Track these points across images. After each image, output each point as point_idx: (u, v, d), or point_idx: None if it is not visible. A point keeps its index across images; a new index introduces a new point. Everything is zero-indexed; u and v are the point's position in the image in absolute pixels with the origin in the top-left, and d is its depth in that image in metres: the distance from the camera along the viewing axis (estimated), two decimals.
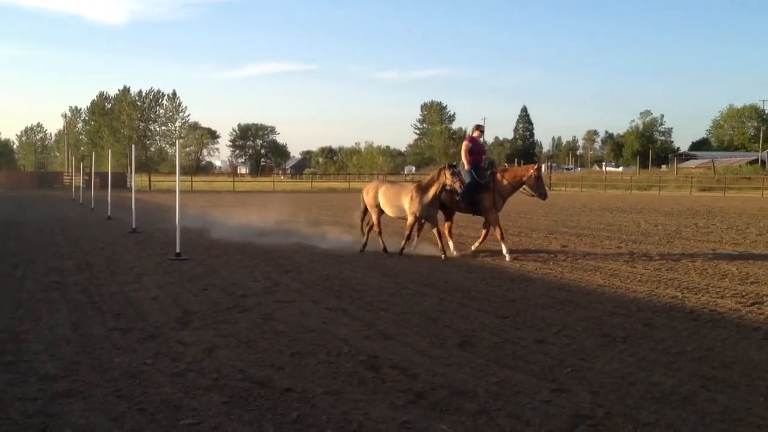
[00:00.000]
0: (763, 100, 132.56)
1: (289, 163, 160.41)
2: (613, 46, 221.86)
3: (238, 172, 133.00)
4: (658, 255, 13.87)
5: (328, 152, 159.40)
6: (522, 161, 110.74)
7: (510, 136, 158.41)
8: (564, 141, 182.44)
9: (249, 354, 6.56)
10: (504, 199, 14.11)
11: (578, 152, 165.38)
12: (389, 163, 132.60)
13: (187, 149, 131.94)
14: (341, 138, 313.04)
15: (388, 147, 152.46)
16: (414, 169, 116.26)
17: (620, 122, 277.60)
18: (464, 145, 14.42)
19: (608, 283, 10.58)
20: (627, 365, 6.22)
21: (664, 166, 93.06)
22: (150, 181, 65.51)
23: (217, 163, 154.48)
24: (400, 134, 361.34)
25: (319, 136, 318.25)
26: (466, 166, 14.08)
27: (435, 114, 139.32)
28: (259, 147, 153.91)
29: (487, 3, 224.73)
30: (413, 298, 9.41)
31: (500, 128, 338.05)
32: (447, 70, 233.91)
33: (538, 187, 13.92)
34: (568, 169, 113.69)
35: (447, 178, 13.16)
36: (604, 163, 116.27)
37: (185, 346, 6.85)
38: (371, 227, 14.60)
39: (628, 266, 12.34)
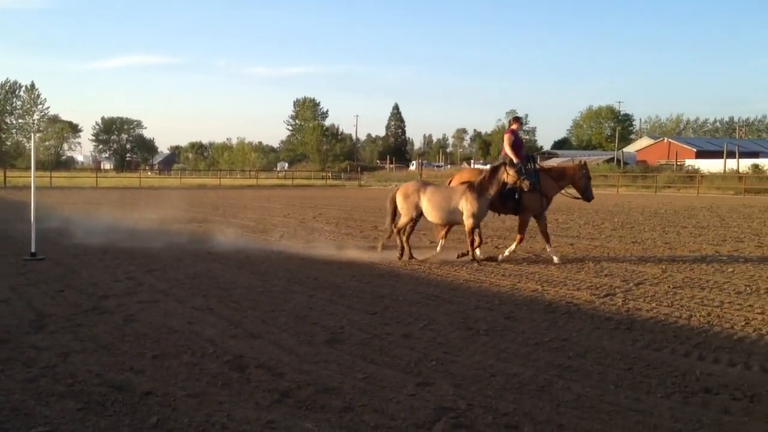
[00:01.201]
0: (620, 102, 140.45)
1: (157, 159, 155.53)
2: (482, 46, 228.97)
3: (102, 167, 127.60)
4: (521, 251, 14.38)
5: (199, 148, 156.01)
6: (394, 158, 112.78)
7: (382, 133, 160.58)
8: (435, 139, 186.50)
9: (107, 358, 6.30)
10: (550, 200, 13.25)
11: (448, 150, 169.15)
12: (262, 160, 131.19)
13: (46, 143, 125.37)
14: (212, 133, 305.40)
15: (260, 143, 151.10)
16: (287, 165, 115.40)
17: (488, 121, 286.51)
18: (507, 138, 13.22)
19: (474, 278, 10.88)
20: (489, 357, 6.42)
21: None
22: (5, 176, 61.76)
23: (79, 158, 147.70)
24: (273, 130, 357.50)
25: (189, 131, 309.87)
26: (516, 160, 12.75)
27: (308, 110, 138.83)
28: (124, 141, 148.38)
29: (358, 0, 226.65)
30: (282, 296, 9.34)
31: (373, 125, 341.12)
32: (319, 66, 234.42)
33: (587, 189, 13.25)
34: (438, 166, 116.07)
35: (510, 176, 12.27)
36: (472, 161, 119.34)
37: (39, 350, 6.51)
38: (400, 231, 12.95)
39: (494, 261, 12.72)
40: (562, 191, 13.40)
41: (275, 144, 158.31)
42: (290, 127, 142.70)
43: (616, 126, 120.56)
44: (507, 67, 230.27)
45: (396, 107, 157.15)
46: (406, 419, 4.83)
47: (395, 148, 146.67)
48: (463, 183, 12.84)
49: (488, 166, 13.83)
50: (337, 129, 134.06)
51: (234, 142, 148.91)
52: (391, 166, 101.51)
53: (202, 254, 13.50)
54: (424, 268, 11.83)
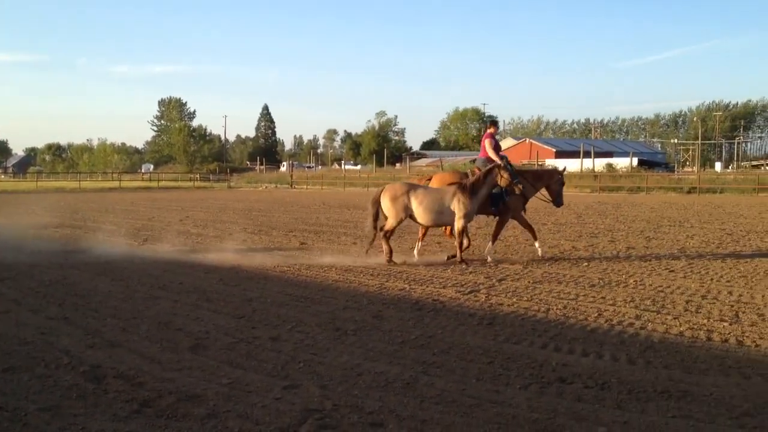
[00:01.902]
0: (484, 104, 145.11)
1: (11, 161, 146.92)
2: (351, 46, 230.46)
3: None
4: (396, 250, 14.56)
5: (56, 149, 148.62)
6: (264, 159, 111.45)
7: (252, 134, 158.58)
8: (305, 140, 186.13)
9: None
10: (526, 202, 13.32)
11: (319, 151, 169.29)
12: (125, 161, 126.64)
13: None
14: (71, 134, 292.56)
15: (123, 144, 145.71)
16: (152, 167, 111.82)
17: (358, 122, 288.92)
18: (488, 142, 13.41)
19: (342, 278, 10.92)
20: (356, 357, 6.46)
21: (398, 165, 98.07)
22: None
23: None
24: (137, 131, 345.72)
25: (46, 132, 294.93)
26: (499, 162, 12.85)
27: (174, 110, 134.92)
28: None
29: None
30: (145, 303, 9.03)
31: (242, 126, 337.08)
32: (186, 65, 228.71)
33: (559, 194, 13.51)
34: (309, 167, 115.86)
35: (504, 179, 12.37)
36: (343, 162, 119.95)
37: None
38: (387, 234, 12.51)
39: (362, 261, 12.81)
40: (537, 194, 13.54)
41: (140, 145, 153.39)
42: (155, 128, 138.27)
43: (482, 127, 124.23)
44: (377, 68, 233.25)
45: (265, 108, 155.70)
46: (272, 423, 4.79)
47: (265, 149, 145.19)
48: (452, 184, 12.68)
49: (470, 169, 13.65)
50: (205, 130, 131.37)
51: (95, 143, 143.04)
52: (262, 167, 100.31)
53: (58, 261, 12.85)
54: (293, 270, 11.77)
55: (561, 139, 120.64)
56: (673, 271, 11.35)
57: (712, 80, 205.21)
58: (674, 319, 7.88)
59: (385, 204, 12.51)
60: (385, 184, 13.30)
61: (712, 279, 10.49)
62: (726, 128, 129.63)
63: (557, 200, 13.63)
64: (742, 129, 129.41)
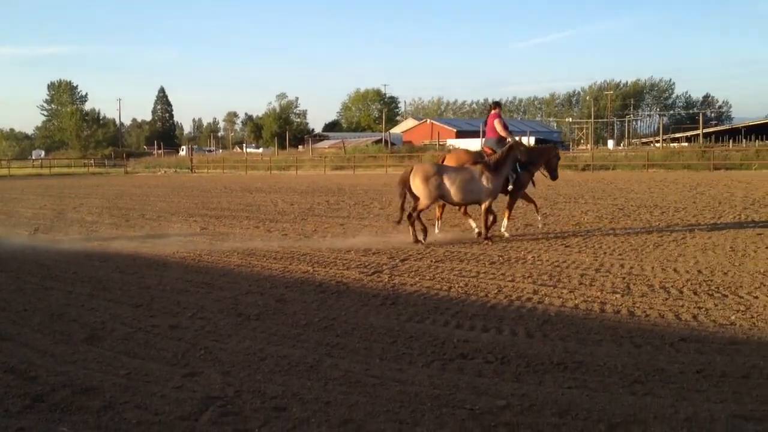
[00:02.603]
0: (385, 85, 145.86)
1: None
2: (250, 27, 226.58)
3: None
4: (294, 232, 14.48)
5: None
6: (163, 143, 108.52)
7: (148, 117, 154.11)
8: (205, 123, 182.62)
9: None
10: (532, 177, 13.71)
11: (219, 134, 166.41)
12: (14, 148, 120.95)
13: None
14: None
15: (12, 130, 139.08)
16: (43, 153, 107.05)
17: (259, 104, 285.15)
18: (498, 121, 13.74)
19: (245, 263, 10.78)
20: (259, 341, 6.39)
21: (300, 147, 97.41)
22: None
23: None
24: (26, 116, 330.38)
25: None
26: (511, 140, 13.41)
27: (64, 94, 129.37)
28: None
29: None
30: (36, 294, 8.66)
31: (138, 110, 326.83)
32: (76, 46, 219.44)
33: (556, 168, 14.05)
34: (209, 150, 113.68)
35: (523, 156, 12.93)
36: (244, 145, 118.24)
37: None
38: (420, 215, 12.58)
39: (265, 244, 12.68)
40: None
41: (29, 131, 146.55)
42: (45, 113, 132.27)
43: (383, 108, 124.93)
44: (276, 49, 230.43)
45: (162, 90, 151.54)
46: (171, 413, 4.68)
47: (163, 132, 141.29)
48: (477, 163, 12.76)
49: (485, 147, 13.83)
50: (99, 113, 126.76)
51: None
52: (160, 151, 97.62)
53: None
54: (194, 256, 11.53)
55: (461, 119, 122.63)
56: (568, 246, 11.71)
57: (604, 60, 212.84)
58: (570, 292, 8.14)
59: (418, 185, 12.44)
60: (412, 165, 13.27)
61: (605, 253, 10.89)
62: (617, 107, 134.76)
63: (553, 174, 14.13)
64: (632, 107, 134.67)
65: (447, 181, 12.30)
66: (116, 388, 5.15)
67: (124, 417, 4.61)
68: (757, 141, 63.12)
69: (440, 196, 12.48)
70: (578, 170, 44.72)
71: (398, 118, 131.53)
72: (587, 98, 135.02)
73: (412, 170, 12.76)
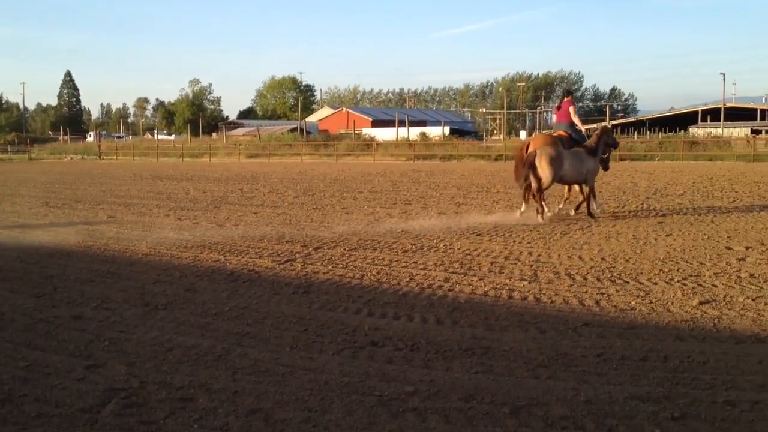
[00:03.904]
0: (301, 73, 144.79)
1: None
2: (162, 11, 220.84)
3: None
4: (205, 221, 14.25)
5: None
6: (69, 129, 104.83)
7: (54, 102, 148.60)
8: (114, 108, 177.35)
9: None
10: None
11: (129, 120, 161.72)
12: None
13: None
14: None
15: None
16: None
17: (171, 90, 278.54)
18: (572, 109, 14.66)
19: (154, 252, 10.54)
20: (166, 332, 6.26)
21: (214, 134, 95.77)
22: None
23: None
24: None
25: None
26: (582, 128, 14.62)
27: None
28: None
29: None
30: None
31: (43, 94, 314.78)
32: None
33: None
34: (119, 137, 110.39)
35: (611, 139, 14.19)
36: (156, 131, 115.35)
37: None
38: (542, 194, 13.54)
39: (176, 233, 12.43)
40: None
41: None
42: None
43: (299, 96, 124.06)
44: (190, 34, 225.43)
45: (68, 74, 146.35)
46: (73, 405, 4.54)
47: (70, 118, 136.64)
48: (581, 146, 13.86)
49: (559, 131, 14.65)
50: (0, 97, 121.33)
51: None
52: (66, 137, 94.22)
53: None
54: (100, 244, 11.19)
55: (377, 108, 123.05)
56: (480, 234, 11.91)
57: (517, 52, 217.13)
58: (479, 280, 8.29)
59: (543, 166, 13.11)
60: (534, 148, 13.74)
61: (514, 241, 11.12)
62: (529, 98, 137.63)
63: (606, 165, 14.70)
64: (543, 99, 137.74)
65: (566, 162, 13.27)
66: (15, 381, 4.97)
67: (23, 410, 4.45)
68: (660, 133, 65.56)
69: (560, 176, 13.34)
70: (491, 160, 45.48)
71: (314, 106, 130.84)
72: (500, 89, 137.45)
73: (536, 153, 13.36)
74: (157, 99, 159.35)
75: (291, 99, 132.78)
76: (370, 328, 6.33)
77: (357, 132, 74.28)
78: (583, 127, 14.79)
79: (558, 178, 13.33)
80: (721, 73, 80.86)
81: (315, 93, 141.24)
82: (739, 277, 8.17)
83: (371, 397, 4.71)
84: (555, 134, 14.63)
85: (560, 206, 14.78)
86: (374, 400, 4.64)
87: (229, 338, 6.06)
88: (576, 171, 13.43)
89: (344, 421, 4.33)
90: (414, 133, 66.31)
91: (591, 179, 13.76)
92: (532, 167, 13.25)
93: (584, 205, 14.10)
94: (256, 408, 4.52)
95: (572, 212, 14.24)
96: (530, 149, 13.97)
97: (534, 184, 13.36)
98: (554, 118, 15.42)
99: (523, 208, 14.12)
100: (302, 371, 5.20)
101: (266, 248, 10.80)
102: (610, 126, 15.15)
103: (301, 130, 72.98)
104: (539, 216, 13.37)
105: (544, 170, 13.16)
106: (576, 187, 14.55)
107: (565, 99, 15.08)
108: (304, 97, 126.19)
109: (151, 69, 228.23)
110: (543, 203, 13.57)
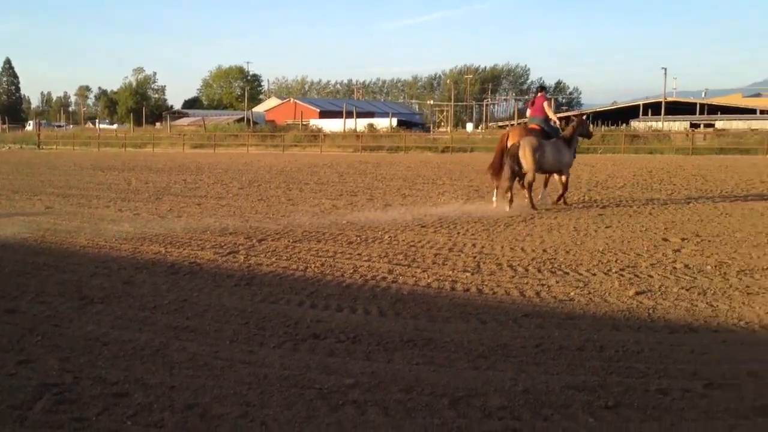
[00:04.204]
0: (248, 62, 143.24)
1: None
2: (99, 2, 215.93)
3: None
4: (147, 212, 14.01)
5: None
6: (8, 117, 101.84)
7: None
8: (55, 97, 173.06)
9: None
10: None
11: (71, 109, 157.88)
12: None
13: None
14: None
15: None
16: None
17: (114, 79, 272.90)
18: (547, 104, 15.16)
19: (92, 244, 10.31)
20: (103, 326, 6.13)
21: (158, 124, 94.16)
22: None
23: None
24: None
25: None
26: (557, 122, 15.15)
27: None
28: None
29: None
30: None
31: None
32: None
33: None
34: (59, 126, 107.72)
35: (586, 131, 14.99)
36: (98, 121, 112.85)
37: None
38: (530, 185, 14.03)
39: (115, 225, 12.19)
40: None
41: None
42: None
43: (245, 86, 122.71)
44: (133, 21, 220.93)
45: (8, 62, 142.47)
46: (3, 401, 4.41)
47: (9, 106, 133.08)
48: (560, 138, 14.36)
49: (533, 125, 15.03)
50: None
51: None
52: (4, 126, 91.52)
53: None
54: (36, 236, 10.90)
55: (325, 99, 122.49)
56: (424, 226, 11.95)
57: (464, 44, 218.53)
58: (423, 271, 8.31)
59: (527, 156, 13.55)
60: (516, 140, 14.13)
61: (458, 233, 11.19)
62: (476, 91, 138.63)
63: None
64: (490, 92, 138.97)
65: (547, 152, 13.75)
66: None
67: None
68: (603, 126, 66.69)
69: (541, 164, 13.79)
70: (438, 152, 45.74)
71: (261, 96, 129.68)
72: (448, 82, 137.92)
73: (520, 143, 13.80)
74: (99, 88, 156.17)
75: (237, 89, 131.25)
76: (313, 321, 6.30)
77: (304, 123, 73.66)
78: (557, 121, 15.29)
79: (539, 167, 13.82)
80: (662, 68, 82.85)
81: (262, 83, 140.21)
82: (674, 268, 8.37)
83: (311, 390, 4.68)
84: (529, 127, 15.02)
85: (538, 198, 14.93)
86: (314, 393, 4.61)
87: (168, 332, 5.96)
88: (555, 160, 13.94)
89: (283, 415, 4.29)
90: (362, 124, 66.28)
91: (566, 170, 14.30)
92: (515, 157, 13.70)
93: (563, 196, 14.69)
94: (193, 403, 4.45)
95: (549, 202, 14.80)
96: (510, 141, 14.46)
97: (519, 174, 13.89)
98: (528, 112, 15.82)
99: (494, 200, 14.65)
100: (241, 365, 5.14)
101: (209, 240, 10.66)
102: (585, 117, 15.49)
103: (248, 120, 72.17)
104: (531, 206, 13.90)
105: (527, 159, 13.62)
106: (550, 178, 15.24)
107: (539, 94, 15.48)
108: (251, 87, 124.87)
109: (93, 57, 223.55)
110: (531, 197, 14.03)
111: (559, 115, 17.46)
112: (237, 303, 6.95)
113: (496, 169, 14.48)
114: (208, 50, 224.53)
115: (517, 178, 14.00)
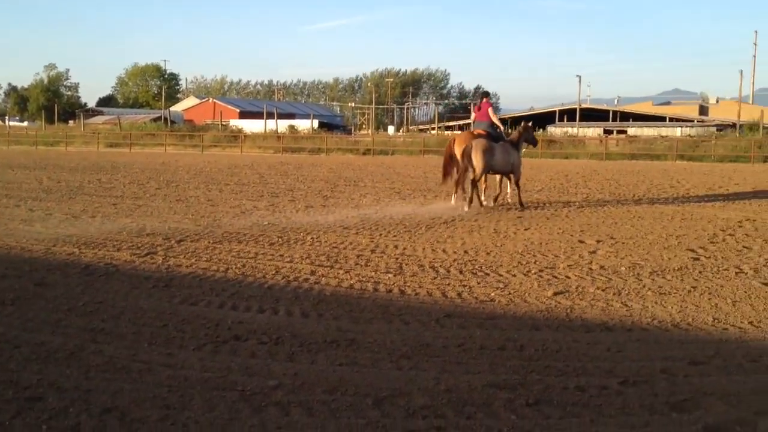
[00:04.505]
0: (165, 61, 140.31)
1: None
2: None
3: None
4: (60, 212, 13.55)
5: None
6: None
7: None
8: None
9: None
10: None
11: None
12: None
13: None
14: None
15: None
16: None
17: (24, 74, 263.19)
18: (491, 110, 15.83)
19: (2, 244, 9.92)
20: (14, 328, 5.91)
21: (71, 122, 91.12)
22: None
23: None
24: None
25: None
26: (501, 127, 16.04)
27: None
28: None
29: None
30: None
31: None
32: None
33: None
34: None
35: (531, 136, 16.11)
36: (7, 118, 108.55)
37: None
38: (477, 184, 14.74)
39: (26, 225, 11.75)
40: None
41: None
42: None
43: (163, 84, 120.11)
44: (45, 17, 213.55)
45: None
46: None
47: None
48: (507, 141, 15.23)
49: (479, 129, 15.50)
50: None
51: None
52: None
53: None
54: None
55: (245, 100, 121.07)
56: (347, 227, 11.95)
57: (385, 48, 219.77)
58: (346, 273, 8.31)
59: (477, 156, 14.29)
60: (468, 141, 14.78)
61: (381, 234, 11.23)
62: (397, 94, 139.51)
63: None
64: (411, 95, 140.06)
65: (497, 153, 14.53)
66: None
67: None
68: None
69: (491, 165, 14.55)
70: (359, 154, 45.80)
71: (179, 95, 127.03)
72: (369, 84, 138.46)
73: (472, 145, 14.47)
74: (9, 83, 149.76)
75: (155, 87, 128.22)
76: (234, 322, 6.22)
77: (224, 123, 72.54)
78: (501, 126, 16.08)
79: (489, 167, 14.57)
80: (577, 76, 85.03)
81: (180, 82, 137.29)
82: (590, 269, 8.61)
83: (233, 392, 4.62)
84: (475, 132, 15.51)
85: (484, 201, 15.40)
86: (236, 396, 4.55)
87: (83, 334, 5.78)
88: (504, 162, 14.74)
89: (204, 418, 4.22)
90: (283, 125, 65.73)
91: (517, 171, 15.13)
92: (468, 158, 14.44)
93: (501, 196, 15.75)
94: (111, 406, 4.33)
95: (492, 203, 15.39)
96: (456, 145, 15.27)
97: (470, 175, 14.66)
98: (473, 116, 16.40)
99: (453, 199, 15.34)
100: (161, 367, 5.03)
101: (125, 241, 10.39)
102: (530, 124, 16.35)
103: (165, 119, 70.64)
104: (466, 205, 14.53)
105: (478, 160, 14.34)
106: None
107: (484, 100, 16.20)
108: (168, 85, 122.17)
109: (2, 52, 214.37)
110: (479, 195, 14.87)
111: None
112: (155, 305, 6.80)
113: (446, 172, 15.51)
114: (124, 47, 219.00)
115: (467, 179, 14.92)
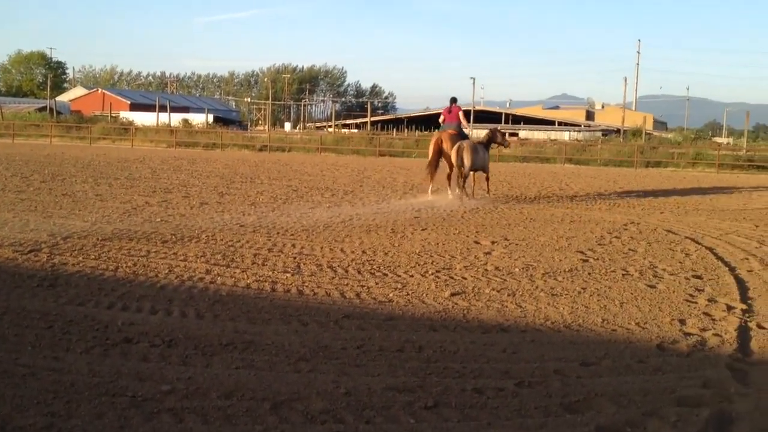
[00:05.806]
0: (52, 48, 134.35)
1: None
2: None
3: None
4: None
5: None
6: None
7: None
8: None
9: None
10: None
11: None
12: None
13: None
14: None
15: None
16: None
17: None
18: (462, 113, 17.91)
19: None
20: None
21: None
22: None
23: None
24: None
25: None
26: (468, 129, 18.43)
27: None
28: None
29: None
30: None
31: None
32: None
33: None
34: None
35: (500, 138, 18.87)
36: None
37: None
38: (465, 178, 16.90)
39: None
40: None
41: None
42: None
43: (48, 73, 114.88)
44: None
45: None
46: None
47: None
48: (480, 142, 17.71)
49: (450, 130, 17.41)
50: None
51: None
52: None
53: None
54: None
55: (136, 92, 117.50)
56: (243, 225, 11.74)
57: (282, 44, 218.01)
58: (242, 272, 8.15)
59: (466, 155, 16.41)
60: (447, 142, 16.95)
61: (278, 233, 11.09)
62: (294, 90, 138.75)
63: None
64: (307, 92, 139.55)
65: (479, 152, 16.82)
66: None
67: None
68: (417, 131, 69.04)
69: (475, 163, 16.67)
70: (255, 150, 45.23)
71: (66, 85, 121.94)
72: (266, 80, 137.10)
73: (462, 145, 16.51)
74: None
75: (39, 76, 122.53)
76: (124, 324, 5.98)
77: (114, 115, 70.11)
78: (468, 128, 18.59)
79: (475, 165, 16.71)
80: (471, 78, 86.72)
81: (67, 71, 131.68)
82: (486, 270, 8.77)
83: (123, 398, 4.42)
84: (449, 132, 17.28)
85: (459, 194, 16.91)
86: (127, 401, 4.36)
87: None
88: (482, 160, 17.08)
89: (92, 426, 4.02)
90: (176, 119, 64.15)
91: (487, 168, 17.69)
92: (461, 157, 16.41)
93: (475, 188, 17.94)
94: None
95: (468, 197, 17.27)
96: (444, 143, 17.00)
97: (458, 171, 16.60)
98: (442, 118, 18.10)
99: (449, 193, 17.28)
100: (46, 372, 4.77)
101: (7, 237, 9.85)
102: (498, 128, 18.56)
103: (51, 109, 67.58)
104: (458, 197, 16.66)
105: (468, 158, 16.44)
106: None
107: (455, 105, 18.07)
108: (54, 74, 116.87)
109: None
110: (463, 189, 16.72)
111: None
112: (39, 305, 6.46)
113: (433, 168, 17.18)
114: (7, 32, 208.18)
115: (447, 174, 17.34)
